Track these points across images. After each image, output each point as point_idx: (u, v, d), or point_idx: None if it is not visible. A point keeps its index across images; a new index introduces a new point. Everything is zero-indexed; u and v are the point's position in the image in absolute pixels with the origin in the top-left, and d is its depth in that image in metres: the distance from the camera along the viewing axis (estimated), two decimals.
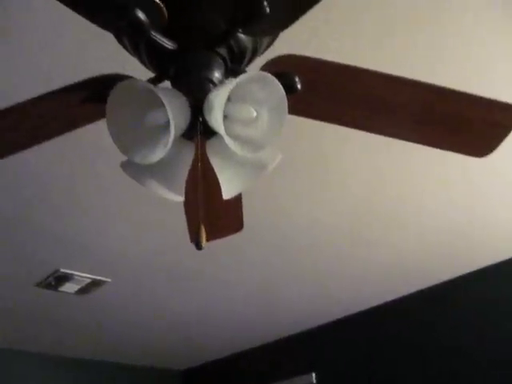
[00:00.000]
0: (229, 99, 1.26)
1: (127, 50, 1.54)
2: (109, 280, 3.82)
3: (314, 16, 1.94)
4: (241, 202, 1.97)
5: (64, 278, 3.73)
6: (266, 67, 1.47)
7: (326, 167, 2.85)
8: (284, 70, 1.48)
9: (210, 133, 1.40)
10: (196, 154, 1.46)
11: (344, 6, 2.02)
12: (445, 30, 2.15)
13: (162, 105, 1.26)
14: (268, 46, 1.57)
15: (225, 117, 1.25)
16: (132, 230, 3.28)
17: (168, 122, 1.28)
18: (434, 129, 1.62)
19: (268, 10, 1.29)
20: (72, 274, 3.69)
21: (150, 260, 3.61)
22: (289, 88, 1.47)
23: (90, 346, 5.02)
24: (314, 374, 4.75)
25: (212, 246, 3.29)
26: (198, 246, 1.34)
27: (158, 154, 1.29)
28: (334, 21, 2.08)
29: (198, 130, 1.37)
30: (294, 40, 2.06)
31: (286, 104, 1.32)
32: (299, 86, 1.50)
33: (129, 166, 1.38)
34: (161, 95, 1.23)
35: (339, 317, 4.67)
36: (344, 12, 2.05)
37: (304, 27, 2.03)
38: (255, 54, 1.52)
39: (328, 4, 1.98)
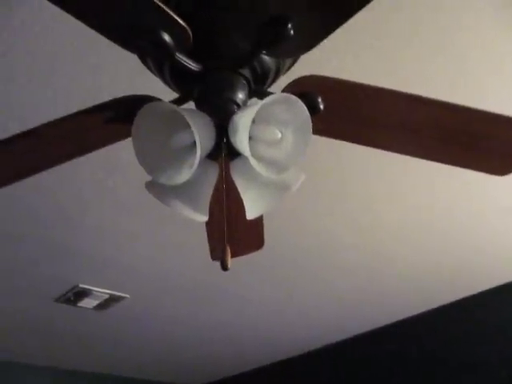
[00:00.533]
0: (253, 120, 1.27)
1: (151, 70, 1.56)
2: (127, 296, 3.83)
3: (334, 36, 1.95)
4: (262, 220, 1.98)
5: (83, 294, 3.75)
6: (289, 88, 1.48)
7: (344, 183, 2.85)
8: (306, 90, 1.49)
9: (234, 153, 1.41)
10: (220, 175, 1.46)
11: (363, 25, 2.03)
12: (466, 46, 2.16)
13: (188, 126, 1.27)
14: (290, 67, 1.58)
15: (249, 138, 1.26)
16: (150, 246, 3.29)
17: (193, 143, 1.29)
18: (453, 147, 1.62)
19: (292, 32, 1.30)
20: (91, 290, 3.71)
21: (168, 276, 3.62)
22: (311, 108, 1.48)
23: (108, 361, 5.02)
24: None
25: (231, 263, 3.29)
26: (224, 267, 1.34)
27: (183, 175, 1.30)
28: (353, 41, 2.09)
29: (223, 151, 1.38)
30: (313, 60, 2.07)
31: (311, 125, 1.32)
32: (322, 107, 1.51)
33: (153, 186, 1.39)
34: (187, 117, 1.24)
35: (358, 333, 4.64)
36: (363, 31, 2.06)
37: (324, 47, 2.05)
38: (278, 74, 1.53)
39: (348, 25, 2.00)
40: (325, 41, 1.38)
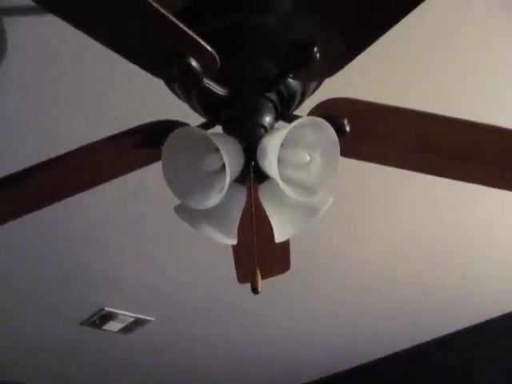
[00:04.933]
0: (281, 144, 1.28)
1: (177, 95, 1.58)
2: (152, 319, 3.83)
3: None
4: (288, 243, 1.98)
5: (108, 317, 3.76)
6: (315, 111, 1.48)
7: (371, 204, 2.85)
8: (332, 113, 1.50)
9: (262, 177, 1.42)
10: (249, 198, 1.47)
11: (386, 48, 2.05)
12: (492, 66, 2.16)
13: (217, 150, 1.28)
14: (315, 90, 1.59)
15: (278, 161, 1.27)
16: (176, 269, 3.30)
17: (222, 167, 1.30)
18: (484, 167, 1.62)
19: (318, 55, 1.31)
20: (116, 313, 3.72)
21: (193, 299, 3.62)
22: (337, 131, 1.48)
23: None
24: None
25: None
26: (255, 290, 1.35)
27: (213, 199, 1.31)
28: (376, 62, 2.10)
29: (251, 175, 1.39)
30: (338, 83, 2.08)
31: (339, 147, 1.33)
32: (348, 129, 1.51)
33: (183, 210, 1.40)
34: (216, 141, 1.26)
35: (377, 357, 4.61)
36: (385, 53, 2.07)
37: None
38: (303, 97, 1.55)
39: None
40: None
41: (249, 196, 1.47)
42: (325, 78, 1.47)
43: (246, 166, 1.38)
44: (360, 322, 4.03)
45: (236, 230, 1.45)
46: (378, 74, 2.15)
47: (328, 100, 1.49)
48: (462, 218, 2.99)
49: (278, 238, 1.43)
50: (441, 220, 2.99)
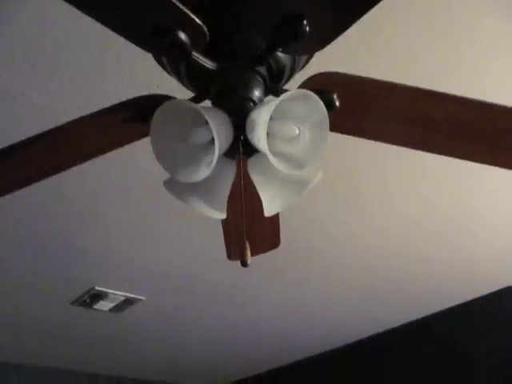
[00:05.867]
0: (270, 117, 1.27)
1: (165, 69, 1.56)
2: (143, 298, 3.84)
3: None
4: (278, 219, 1.98)
5: (98, 296, 3.76)
6: (304, 85, 1.48)
7: (360, 182, 2.85)
8: (321, 87, 1.49)
9: (251, 151, 1.42)
10: (238, 172, 1.47)
11: (378, 21, 2.04)
12: (484, 44, 2.16)
13: (206, 123, 1.28)
14: (305, 64, 1.58)
15: (267, 134, 1.27)
16: (166, 248, 3.30)
17: (211, 141, 1.30)
18: (474, 143, 1.61)
19: (308, 29, 1.30)
20: (106, 292, 3.72)
21: (184, 278, 3.63)
22: (327, 105, 1.47)
23: (123, 364, 5.03)
24: None
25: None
26: (244, 263, 1.35)
27: (201, 172, 1.31)
28: (368, 37, 2.10)
29: (240, 149, 1.39)
30: (329, 57, 2.07)
31: (328, 121, 1.32)
32: (337, 103, 1.51)
33: (171, 185, 1.39)
34: (205, 114, 1.25)
35: (373, 333, 4.63)
36: (378, 27, 2.06)
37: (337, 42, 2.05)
38: (293, 72, 1.54)
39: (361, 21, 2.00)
40: (339, 38, 1.38)
41: (238, 170, 1.47)
42: (314, 51, 1.46)
43: (235, 139, 1.37)
44: (354, 299, 4.05)
45: (225, 205, 1.44)
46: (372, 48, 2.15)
47: (317, 74, 1.48)
48: (451, 192, 3.00)
49: (268, 212, 1.43)
50: (433, 195, 3.00)
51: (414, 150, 1.72)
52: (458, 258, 3.59)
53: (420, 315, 4.36)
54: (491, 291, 4.02)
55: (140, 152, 2.50)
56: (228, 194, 1.46)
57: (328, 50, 1.44)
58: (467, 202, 3.05)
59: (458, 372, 4.07)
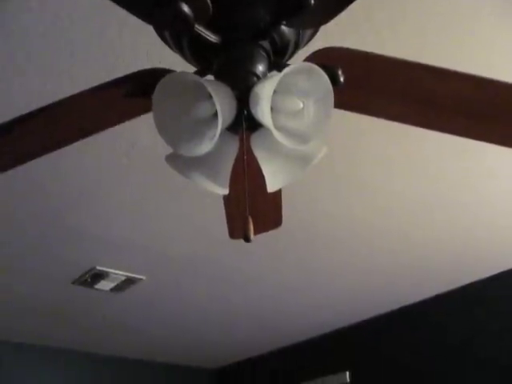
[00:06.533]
0: (274, 91, 1.25)
1: (168, 44, 1.54)
2: (143, 278, 3.84)
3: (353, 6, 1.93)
4: (280, 197, 1.97)
5: (99, 276, 3.77)
6: (309, 59, 1.45)
7: (362, 161, 2.83)
8: (326, 62, 1.47)
9: (254, 126, 1.40)
10: (241, 147, 1.45)
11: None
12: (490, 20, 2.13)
13: (209, 97, 1.26)
14: (309, 39, 1.56)
15: (271, 109, 1.25)
16: (167, 227, 3.29)
17: (214, 115, 1.28)
18: (482, 122, 1.59)
19: (313, 2, 1.28)
20: (107, 272, 3.72)
21: (185, 257, 3.63)
22: (332, 80, 1.45)
23: (125, 344, 5.05)
24: (347, 373, 4.72)
25: (249, 244, 3.29)
26: (247, 238, 1.34)
27: (204, 146, 1.29)
28: (373, 14, 2.07)
29: (243, 123, 1.37)
30: (334, 32, 2.05)
31: (333, 95, 1.31)
32: (342, 79, 1.49)
33: (174, 159, 1.38)
34: (208, 87, 1.23)
35: (374, 315, 4.64)
36: (385, 5, 2.04)
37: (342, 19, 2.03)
38: (297, 47, 1.51)
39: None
40: (343, 14, 1.36)
41: (241, 145, 1.45)
42: (319, 25, 1.44)
43: (239, 114, 1.36)
44: (357, 281, 4.04)
45: (228, 180, 1.43)
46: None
47: (322, 49, 1.46)
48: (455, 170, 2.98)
49: (270, 187, 1.42)
50: (437, 174, 2.98)
51: (417, 129, 1.71)
52: (461, 239, 3.57)
53: (421, 298, 4.36)
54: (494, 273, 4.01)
55: (139, 130, 2.49)
56: (231, 169, 1.44)
57: (332, 26, 1.43)
58: (470, 182, 3.02)
59: (457, 357, 4.08)
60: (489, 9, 2.08)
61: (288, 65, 1.44)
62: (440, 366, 4.16)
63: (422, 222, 3.36)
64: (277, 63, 1.47)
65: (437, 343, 4.21)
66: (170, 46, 1.54)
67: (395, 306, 4.49)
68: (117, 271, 3.74)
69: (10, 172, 1.76)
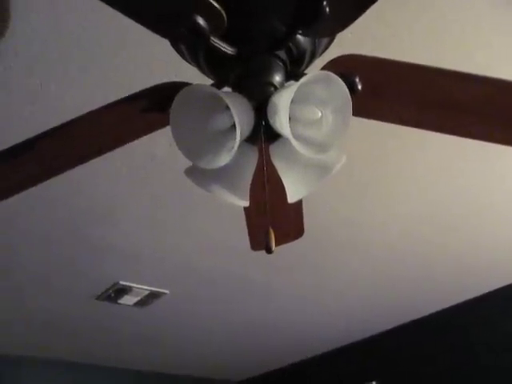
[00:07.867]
0: (292, 101, 1.24)
1: (184, 57, 1.54)
2: (167, 292, 3.83)
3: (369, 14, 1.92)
4: (301, 208, 1.95)
5: (123, 291, 3.77)
6: (326, 68, 1.45)
7: (383, 168, 2.81)
8: (343, 70, 1.46)
9: (273, 136, 1.39)
10: (260, 158, 1.44)
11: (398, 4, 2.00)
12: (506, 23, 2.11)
13: (227, 109, 1.25)
14: (326, 48, 1.55)
15: (289, 118, 1.24)
16: (189, 242, 3.28)
17: (232, 127, 1.28)
18: (501, 125, 1.57)
19: (328, 10, 1.28)
20: (131, 287, 3.73)
21: (208, 271, 3.62)
22: (349, 89, 1.44)
23: (148, 358, 5.04)
24: (374, 383, 4.68)
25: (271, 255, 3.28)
26: (268, 249, 1.32)
27: (223, 158, 1.28)
28: (389, 20, 2.06)
29: (262, 134, 1.36)
30: (350, 41, 2.04)
31: (351, 104, 1.29)
32: (360, 87, 1.48)
33: (193, 172, 1.37)
34: (226, 99, 1.23)
35: (402, 322, 4.59)
36: (399, 10, 2.03)
37: (358, 27, 2.02)
38: (314, 56, 1.50)
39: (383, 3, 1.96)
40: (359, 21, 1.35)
41: (260, 156, 1.44)
42: (334, 34, 1.43)
43: (257, 125, 1.35)
44: (374, 293, 4.01)
45: (248, 191, 1.42)
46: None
47: (339, 57, 1.45)
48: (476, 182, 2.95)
49: (291, 198, 1.40)
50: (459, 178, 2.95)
51: (436, 135, 1.69)
52: (483, 245, 3.53)
53: (445, 306, 4.31)
54: None
55: (157, 143, 2.49)
56: (250, 180, 1.43)
57: (348, 34, 1.42)
58: (494, 188, 2.99)
59: (481, 366, 4.02)
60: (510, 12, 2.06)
61: (305, 74, 1.44)
62: (467, 370, 4.10)
63: (444, 227, 3.32)
64: (294, 73, 1.46)
65: (467, 349, 4.16)
66: (185, 59, 1.54)
67: (418, 315, 4.44)
68: (140, 286, 3.74)
69: (32, 188, 1.77)
